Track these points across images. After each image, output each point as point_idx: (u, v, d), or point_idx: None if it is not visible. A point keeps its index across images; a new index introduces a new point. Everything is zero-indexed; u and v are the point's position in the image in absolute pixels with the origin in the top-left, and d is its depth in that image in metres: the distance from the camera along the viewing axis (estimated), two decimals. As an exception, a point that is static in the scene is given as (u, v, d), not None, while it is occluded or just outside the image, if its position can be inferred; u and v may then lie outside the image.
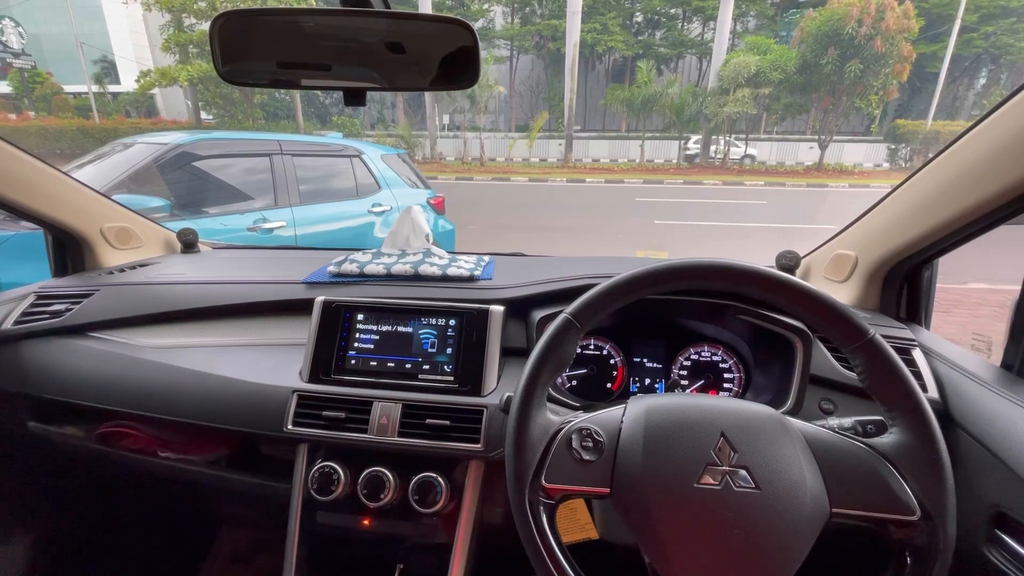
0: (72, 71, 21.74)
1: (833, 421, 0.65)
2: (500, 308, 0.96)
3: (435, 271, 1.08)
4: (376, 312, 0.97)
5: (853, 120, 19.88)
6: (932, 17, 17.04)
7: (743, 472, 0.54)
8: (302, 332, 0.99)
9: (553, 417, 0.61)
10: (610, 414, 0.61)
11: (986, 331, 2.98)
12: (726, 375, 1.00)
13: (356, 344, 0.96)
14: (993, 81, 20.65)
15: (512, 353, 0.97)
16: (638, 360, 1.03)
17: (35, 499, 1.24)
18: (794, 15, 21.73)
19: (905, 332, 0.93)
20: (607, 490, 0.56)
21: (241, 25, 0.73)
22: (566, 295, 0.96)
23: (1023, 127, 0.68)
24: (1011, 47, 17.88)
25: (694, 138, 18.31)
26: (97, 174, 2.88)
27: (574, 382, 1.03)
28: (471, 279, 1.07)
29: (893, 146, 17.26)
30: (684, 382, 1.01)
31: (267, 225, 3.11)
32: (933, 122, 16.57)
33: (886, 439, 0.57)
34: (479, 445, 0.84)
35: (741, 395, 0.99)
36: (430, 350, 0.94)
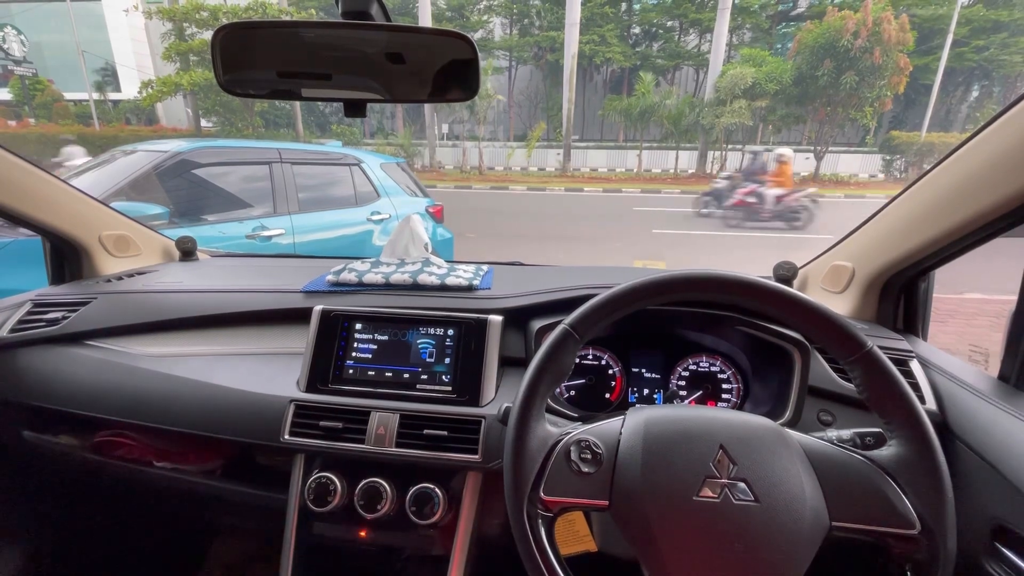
0: (73, 79, 21.81)
1: (832, 433, 0.65)
2: (499, 318, 0.96)
3: (434, 280, 1.08)
4: (374, 321, 0.97)
5: (848, 131, 20.06)
6: (924, 30, 17.27)
7: (742, 485, 0.54)
8: (300, 341, 0.98)
9: (552, 428, 0.61)
10: (609, 425, 0.61)
11: (982, 341, 2.98)
12: (724, 386, 1.00)
13: (354, 353, 0.95)
14: (986, 94, 20.88)
15: (510, 363, 0.97)
16: (637, 370, 1.03)
17: (28, 509, 1.22)
18: (789, 28, 22.02)
19: (902, 343, 0.93)
20: (606, 503, 0.56)
21: (243, 36, 0.74)
22: (565, 305, 0.96)
23: (1018, 140, 0.69)
24: (1003, 61, 18.09)
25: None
26: (96, 181, 2.89)
27: (572, 392, 1.02)
28: (470, 288, 1.07)
29: (888, 157, 17.39)
30: (683, 392, 1.00)
31: (266, 233, 3.11)
32: (927, 134, 16.71)
33: (885, 452, 0.57)
34: (477, 456, 0.83)
35: (739, 406, 0.99)
36: (428, 360, 0.94)
